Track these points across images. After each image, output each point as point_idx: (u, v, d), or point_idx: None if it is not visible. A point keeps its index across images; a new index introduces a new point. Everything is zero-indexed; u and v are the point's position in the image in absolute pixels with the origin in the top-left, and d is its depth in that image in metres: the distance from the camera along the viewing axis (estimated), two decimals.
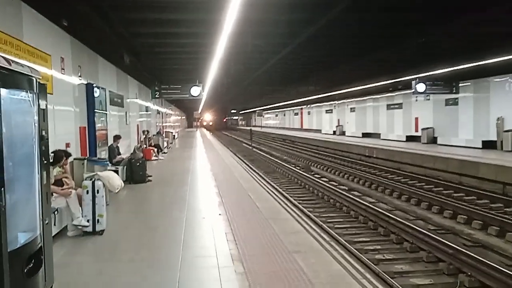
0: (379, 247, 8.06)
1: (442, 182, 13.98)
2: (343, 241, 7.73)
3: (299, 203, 11.31)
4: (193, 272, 4.59)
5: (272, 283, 4.13)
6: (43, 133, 3.61)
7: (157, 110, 27.32)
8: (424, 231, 8.09)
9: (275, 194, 9.32)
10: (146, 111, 21.78)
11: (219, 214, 7.16)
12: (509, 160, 13.42)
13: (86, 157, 8.05)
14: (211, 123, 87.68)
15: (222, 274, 4.44)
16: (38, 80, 3.58)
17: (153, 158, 16.54)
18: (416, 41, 12.88)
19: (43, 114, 3.63)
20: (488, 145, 17.76)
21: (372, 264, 6.65)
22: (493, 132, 17.57)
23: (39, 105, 3.56)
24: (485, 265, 6.24)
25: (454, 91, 19.49)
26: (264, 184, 10.79)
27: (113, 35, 11.30)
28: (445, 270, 6.68)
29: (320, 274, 4.33)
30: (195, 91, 17.76)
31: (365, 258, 6.83)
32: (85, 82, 9.62)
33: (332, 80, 27.05)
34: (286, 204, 8.19)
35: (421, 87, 18.80)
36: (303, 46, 13.55)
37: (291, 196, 12.17)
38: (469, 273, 6.28)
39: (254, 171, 15.92)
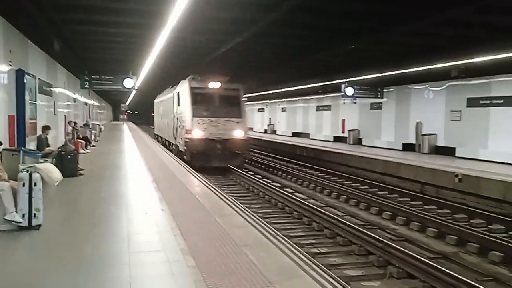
0: (314, 241, 8.49)
1: (367, 181, 14.91)
2: (281, 235, 8.00)
3: (236, 199, 11.46)
4: (144, 267, 4.53)
5: (225, 276, 4.23)
6: None
7: (85, 101, 26.05)
8: (355, 226, 8.65)
9: (216, 190, 9.38)
10: (74, 101, 20.69)
11: (162, 210, 7.07)
12: (426, 162, 14.66)
13: (20, 148, 7.54)
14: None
15: (174, 268, 4.46)
16: None
17: (81, 151, 15.82)
18: (347, 47, 13.62)
19: None
20: (408, 147, 19.20)
21: (311, 257, 6.98)
22: (412, 135, 19.04)
23: None
24: (411, 257, 6.84)
25: (378, 96, 20.79)
26: (203, 180, 10.79)
27: (44, 20, 10.68)
28: (375, 262, 7.22)
29: (271, 266, 4.51)
30: (128, 83, 17.24)
31: (304, 252, 7.14)
32: (16, 68, 8.98)
33: (266, 79, 27.63)
34: (228, 200, 8.30)
35: (349, 90, 19.81)
36: (242, 45, 13.72)
37: (226, 193, 12.28)
38: (397, 265, 6.86)
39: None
